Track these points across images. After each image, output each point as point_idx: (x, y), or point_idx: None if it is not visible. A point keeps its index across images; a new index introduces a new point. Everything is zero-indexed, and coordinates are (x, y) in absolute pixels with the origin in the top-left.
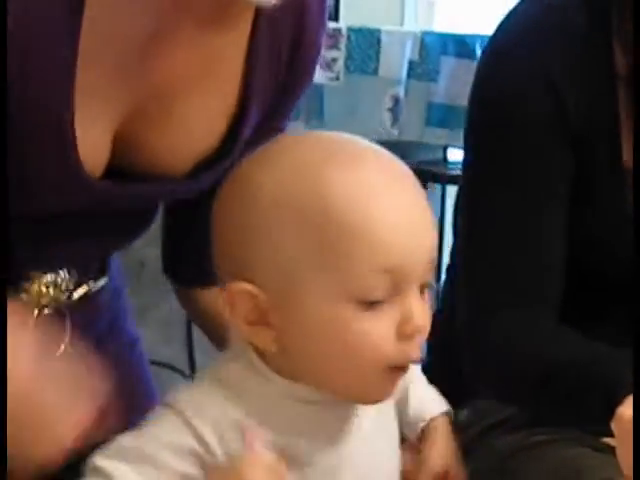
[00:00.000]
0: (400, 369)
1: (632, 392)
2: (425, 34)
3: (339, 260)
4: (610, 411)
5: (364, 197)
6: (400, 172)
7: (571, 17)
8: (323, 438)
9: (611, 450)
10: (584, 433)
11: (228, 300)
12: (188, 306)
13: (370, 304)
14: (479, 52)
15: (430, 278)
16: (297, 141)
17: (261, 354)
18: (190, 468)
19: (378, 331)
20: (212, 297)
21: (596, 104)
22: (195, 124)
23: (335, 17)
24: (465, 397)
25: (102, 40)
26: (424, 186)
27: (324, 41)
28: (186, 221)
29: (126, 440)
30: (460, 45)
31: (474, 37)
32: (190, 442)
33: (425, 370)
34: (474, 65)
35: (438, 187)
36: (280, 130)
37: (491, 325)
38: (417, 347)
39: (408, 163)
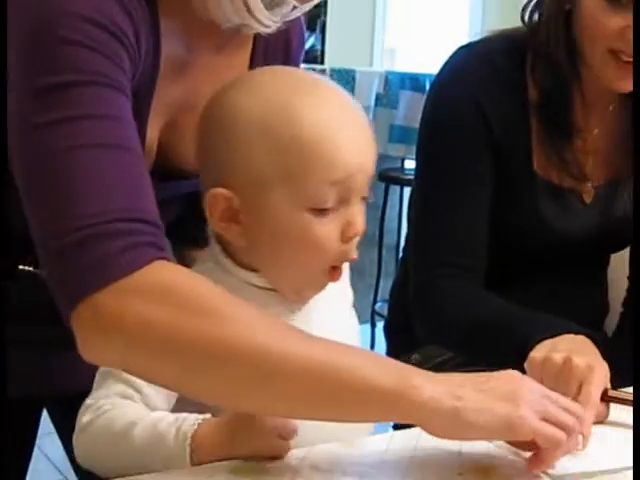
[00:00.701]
0: (337, 268)
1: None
2: (388, 73)
3: (299, 175)
4: (523, 357)
5: (320, 124)
6: (347, 102)
7: (495, 60)
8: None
9: None
10: None
11: (209, 202)
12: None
13: (321, 211)
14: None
15: (367, 191)
16: (270, 73)
17: (229, 253)
18: None
19: (327, 234)
20: None
21: (513, 124)
22: None
23: (321, 61)
24: (415, 345)
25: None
26: (387, 188)
27: None
28: None
29: None
30: (414, 82)
31: (425, 76)
32: None
33: (386, 327)
34: (425, 97)
35: (397, 188)
36: None
37: (432, 292)
38: (354, 249)
39: (375, 170)
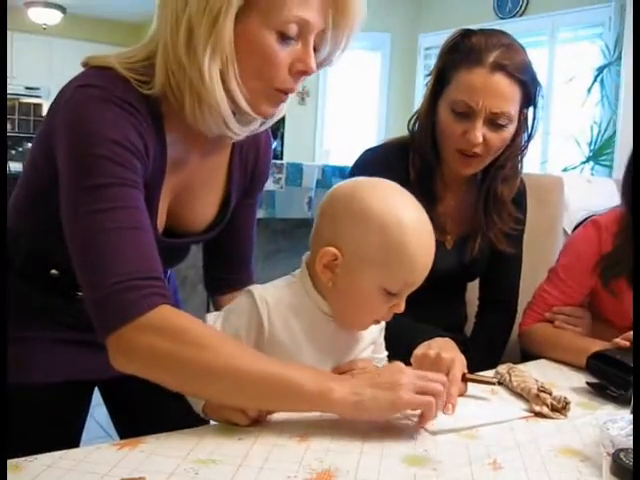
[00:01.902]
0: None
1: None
2: (325, 166)
3: (391, 268)
4: (411, 353)
5: (418, 241)
6: (429, 223)
7: (389, 157)
8: (334, 340)
9: None
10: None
11: (321, 252)
12: (219, 307)
13: (390, 295)
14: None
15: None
16: (391, 189)
17: (312, 278)
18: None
19: (387, 308)
20: (228, 299)
21: None
22: (204, 205)
23: (281, 157)
24: None
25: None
26: None
27: (275, 169)
28: (214, 258)
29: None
30: (342, 171)
31: (349, 167)
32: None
33: None
34: None
35: None
36: (249, 206)
37: None
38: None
39: None
